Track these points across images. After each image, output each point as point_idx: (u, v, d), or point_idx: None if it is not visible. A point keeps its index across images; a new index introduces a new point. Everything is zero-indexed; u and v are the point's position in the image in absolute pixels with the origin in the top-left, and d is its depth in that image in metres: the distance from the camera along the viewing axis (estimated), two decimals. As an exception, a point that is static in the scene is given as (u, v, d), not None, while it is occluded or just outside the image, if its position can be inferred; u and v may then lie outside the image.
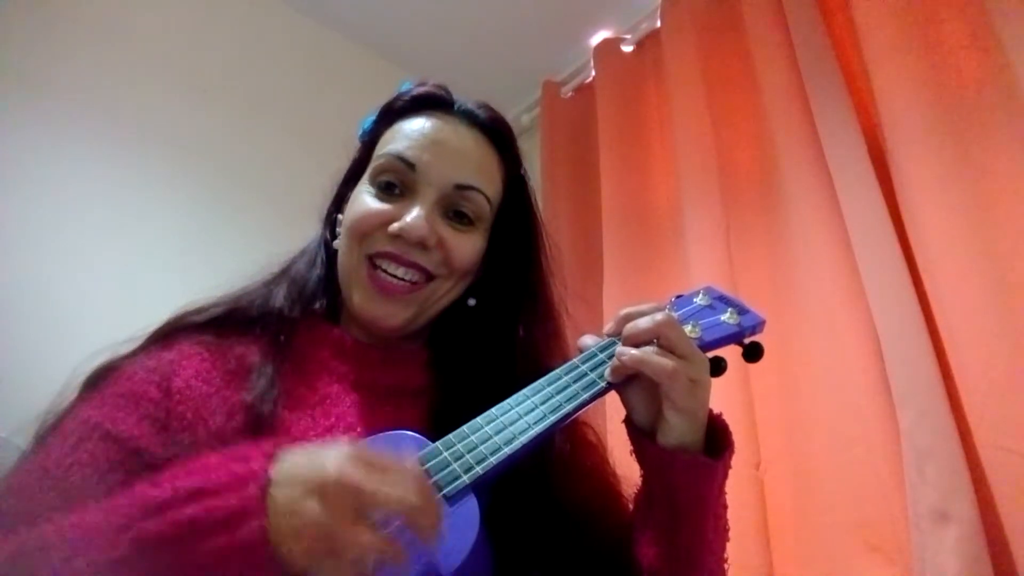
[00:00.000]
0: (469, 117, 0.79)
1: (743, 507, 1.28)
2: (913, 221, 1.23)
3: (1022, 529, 1.02)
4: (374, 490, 0.46)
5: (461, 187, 0.75)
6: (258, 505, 0.46)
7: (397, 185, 0.74)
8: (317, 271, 0.80)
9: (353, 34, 2.04)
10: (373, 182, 0.76)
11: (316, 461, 0.48)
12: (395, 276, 0.72)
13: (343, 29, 2.03)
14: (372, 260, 0.73)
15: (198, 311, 0.76)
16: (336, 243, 0.79)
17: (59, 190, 1.44)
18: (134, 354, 0.71)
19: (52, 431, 0.63)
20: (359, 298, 0.74)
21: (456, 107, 0.79)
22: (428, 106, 0.79)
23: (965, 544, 1.01)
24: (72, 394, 0.67)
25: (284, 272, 0.81)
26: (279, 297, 0.76)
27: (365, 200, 0.75)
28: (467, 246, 0.76)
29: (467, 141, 0.78)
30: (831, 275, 1.31)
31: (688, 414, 0.62)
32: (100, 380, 0.67)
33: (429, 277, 0.74)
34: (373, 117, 0.82)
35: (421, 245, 0.72)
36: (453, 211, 0.75)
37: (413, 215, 0.71)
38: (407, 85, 0.82)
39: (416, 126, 0.77)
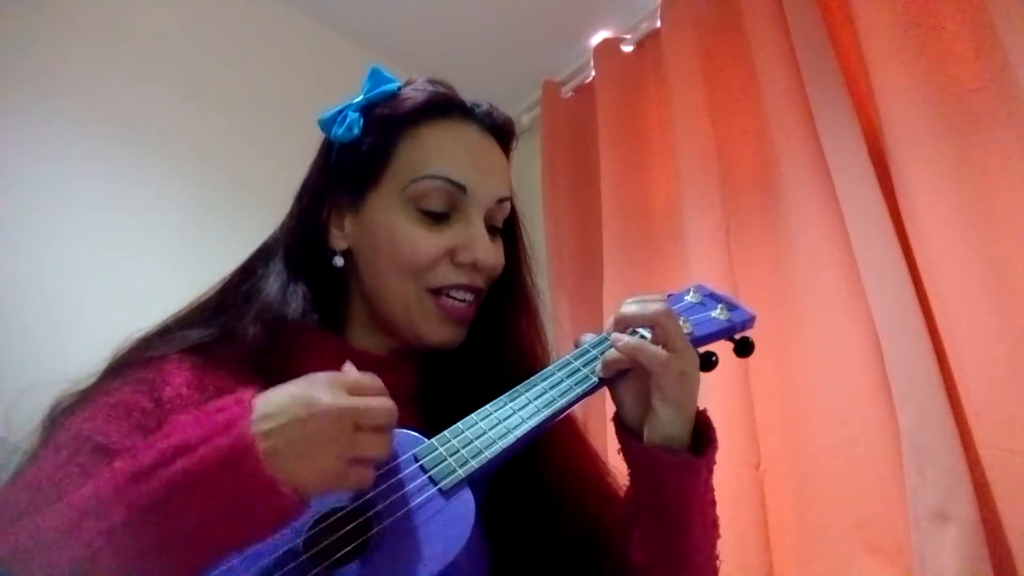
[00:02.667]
0: (484, 120, 0.77)
1: (743, 507, 1.28)
2: (913, 221, 1.23)
3: (1022, 529, 1.02)
4: (366, 406, 0.52)
5: (500, 200, 0.76)
6: (251, 440, 0.47)
7: (444, 207, 0.72)
8: (299, 299, 0.73)
9: (352, 34, 2.04)
10: (414, 206, 0.72)
11: (305, 398, 0.50)
12: (462, 301, 0.73)
13: (342, 29, 2.03)
14: (437, 290, 0.72)
15: (154, 343, 0.70)
16: (337, 260, 0.75)
17: (59, 190, 1.44)
18: (92, 387, 0.67)
19: (43, 445, 0.63)
20: (429, 328, 0.73)
21: (472, 111, 0.77)
22: (441, 111, 0.75)
23: (965, 544, 1.01)
24: (36, 432, 0.65)
25: (247, 301, 0.73)
26: (249, 332, 0.69)
27: (412, 230, 0.71)
28: (500, 255, 0.77)
29: (494, 149, 0.78)
30: (831, 274, 1.31)
31: (677, 407, 0.62)
32: (61, 416, 0.65)
33: (480, 293, 0.75)
34: (355, 116, 0.75)
35: (489, 270, 0.74)
36: (489, 223, 0.75)
37: (483, 244, 0.72)
38: (381, 73, 0.77)
39: (449, 138, 0.74)
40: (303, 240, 0.77)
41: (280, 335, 0.70)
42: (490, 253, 0.73)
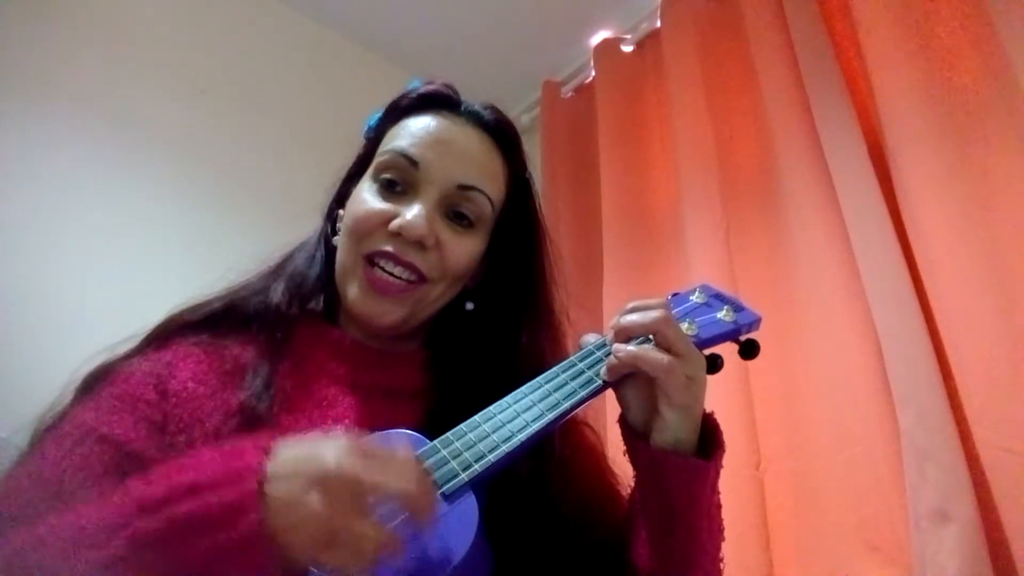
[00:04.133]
0: (475, 118, 0.79)
1: (743, 507, 1.28)
2: (913, 221, 1.23)
3: (1022, 529, 1.02)
4: (374, 481, 0.47)
5: (463, 187, 0.74)
6: (256, 500, 0.46)
7: (399, 183, 0.74)
8: (316, 268, 0.79)
9: (353, 34, 2.04)
10: (375, 179, 0.75)
11: (314, 453, 0.48)
12: (391, 274, 0.72)
13: (343, 29, 2.03)
14: (370, 258, 0.73)
15: (195, 308, 0.76)
16: (336, 239, 0.79)
17: (59, 190, 1.44)
18: (130, 355, 0.71)
19: (48, 434, 0.63)
20: (354, 294, 0.73)
21: (463, 107, 0.79)
22: (434, 105, 0.78)
23: (965, 544, 1.01)
24: (68, 396, 0.67)
25: (282, 267, 0.81)
26: (277, 293, 0.76)
27: (366, 198, 0.74)
28: (464, 248, 0.75)
29: (472, 142, 0.77)
30: (831, 275, 1.31)
31: (684, 411, 0.62)
32: (96, 382, 0.67)
33: (423, 279, 0.73)
34: (379, 115, 0.82)
35: (419, 244, 0.71)
36: (454, 211, 0.75)
37: (413, 213, 0.71)
38: (415, 83, 0.82)
39: (421, 124, 0.76)
40: (322, 231, 0.83)
41: (295, 305, 0.75)
42: (418, 223, 0.70)
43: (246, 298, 0.76)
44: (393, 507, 0.47)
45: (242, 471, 0.47)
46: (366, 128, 0.83)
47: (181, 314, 0.75)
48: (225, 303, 0.76)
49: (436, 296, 0.75)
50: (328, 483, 0.46)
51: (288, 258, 0.82)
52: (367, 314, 0.73)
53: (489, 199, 0.76)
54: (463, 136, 0.77)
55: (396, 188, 0.74)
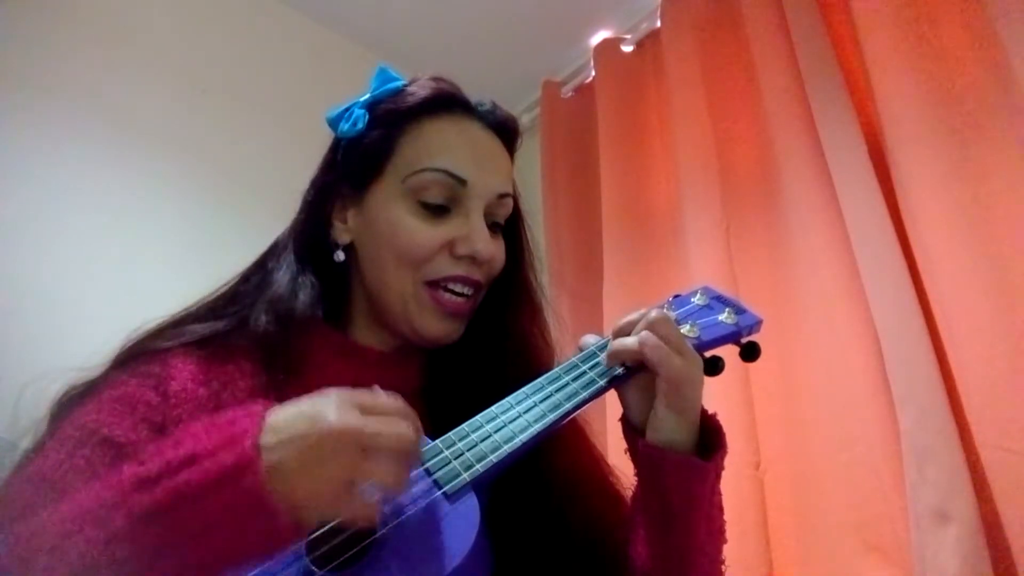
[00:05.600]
0: (486, 117, 0.77)
1: (743, 507, 1.28)
2: (913, 221, 1.23)
3: (1022, 529, 1.02)
4: (375, 431, 0.48)
5: (501, 195, 0.75)
6: (254, 457, 0.46)
7: (445, 202, 0.72)
8: (307, 290, 0.74)
9: (353, 34, 2.04)
10: (414, 198, 0.72)
11: (311, 413, 0.49)
12: (461, 295, 0.72)
13: (342, 29, 2.03)
14: (435, 283, 0.72)
15: (165, 334, 0.71)
16: (339, 254, 0.76)
17: (59, 190, 1.44)
18: (100, 378, 0.68)
19: (48, 438, 0.63)
20: (424, 321, 0.72)
21: (475, 108, 0.77)
22: (445, 106, 0.76)
23: (965, 544, 1.01)
24: (43, 421, 0.66)
25: (258, 292, 0.75)
26: (261, 322, 0.71)
27: (411, 223, 0.71)
28: (502, 251, 0.76)
29: (494, 145, 0.77)
30: (831, 275, 1.31)
31: (678, 412, 0.62)
32: (69, 406, 0.65)
33: (479, 288, 0.74)
34: (361, 112, 0.76)
35: (487, 262, 0.73)
36: (492, 219, 0.75)
37: (482, 237, 0.71)
38: (386, 74, 0.78)
39: (451, 134, 0.74)
40: (310, 235, 0.78)
41: (288, 328, 0.71)
42: (489, 246, 0.72)
43: (223, 332, 0.72)
44: (388, 453, 0.49)
45: (236, 435, 0.48)
46: (345, 125, 0.76)
47: (148, 339, 0.71)
48: (198, 337, 0.71)
49: (481, 298, 0.76)
50: (333, 438, 0.47)
51: (262, 281, 0.76)
52: (441, 337, 0.73)
53: (514, 200, 0.78)
54: (489, 141, 0.76)
55: (440, 206, 0.72)
